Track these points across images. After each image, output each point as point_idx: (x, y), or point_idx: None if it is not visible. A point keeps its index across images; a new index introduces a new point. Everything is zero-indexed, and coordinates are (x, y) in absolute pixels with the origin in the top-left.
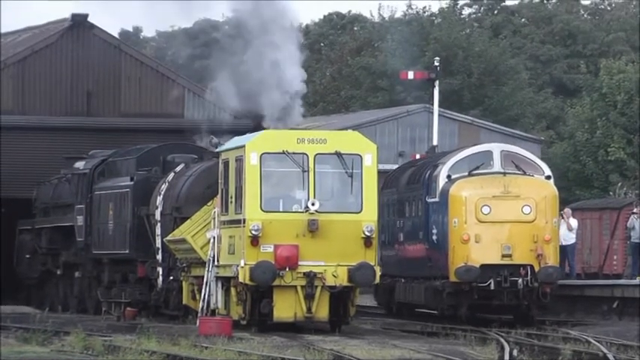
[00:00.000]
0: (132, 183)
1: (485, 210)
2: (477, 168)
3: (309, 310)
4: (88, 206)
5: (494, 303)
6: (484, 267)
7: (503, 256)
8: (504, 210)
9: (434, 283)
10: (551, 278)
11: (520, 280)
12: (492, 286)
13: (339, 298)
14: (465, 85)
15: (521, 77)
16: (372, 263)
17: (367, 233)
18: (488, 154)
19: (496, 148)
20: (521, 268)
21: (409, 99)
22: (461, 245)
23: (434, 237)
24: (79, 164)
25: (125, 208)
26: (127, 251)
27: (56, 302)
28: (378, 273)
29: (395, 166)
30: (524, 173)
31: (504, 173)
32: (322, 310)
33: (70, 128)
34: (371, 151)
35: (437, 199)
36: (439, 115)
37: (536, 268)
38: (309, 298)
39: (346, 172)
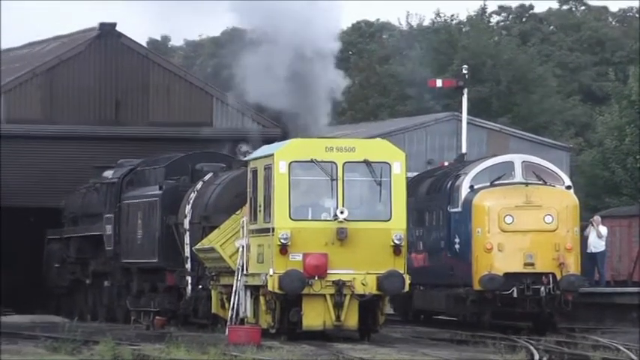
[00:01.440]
0: (160, 192)
1: (508, 219)
2: (499, 178)
3: (338, 318)
4: (117, 215)
5: (517, 310)
6: (507, 275)
7: (526, 264)
8: (527, 219)
9: (457, 291)
10: (572, 286)
11: (542, 288)
12: (515, 294)
13: (368, 306)
14: (493, 93)
15: (549, 85)
16: (402, 271)
17: (396, 241)
18: (510, 165)
19: (517, 158)
20: (544, 277)
21: (437, 107)
22: (484, 254)
23: (456, 246)
24: (108, 173)
25: (154, 217)
26: (155, 260)
27: (85, 311)
28: (408, 281)
29: None
30: (545, 183)
31: (526, 183)
32: (351, 319)
33: (99, 137)
34: (400, 159)
35: (459, 209)
36: (468, 123)
37: (558, 277)
38: (338, 306)
39: (375, 181)
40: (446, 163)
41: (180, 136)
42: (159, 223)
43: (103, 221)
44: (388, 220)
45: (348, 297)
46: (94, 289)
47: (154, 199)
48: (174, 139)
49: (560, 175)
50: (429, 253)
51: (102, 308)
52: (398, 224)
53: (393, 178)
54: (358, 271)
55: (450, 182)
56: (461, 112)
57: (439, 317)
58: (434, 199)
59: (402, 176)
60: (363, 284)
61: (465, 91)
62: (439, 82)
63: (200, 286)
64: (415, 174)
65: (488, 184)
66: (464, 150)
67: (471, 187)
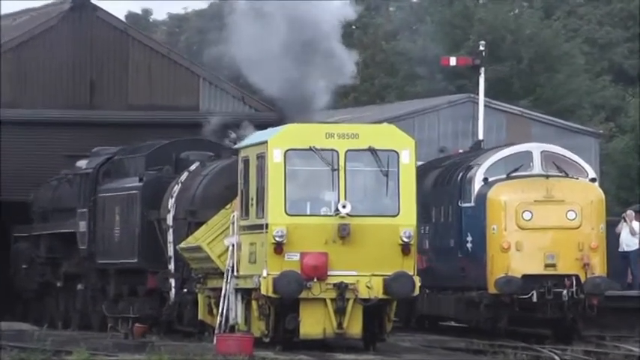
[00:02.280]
0: (141, 184)
1: (527, 216)
2: (516, 170)
3: (339, 325)
4: (92, 210)
5: (536, 316)
6: (526, 277)
7: (547, 265)
8: (547, 216)
9: (469, 295)
10: (598, 289)
11: (565, 292)
12: (535, 298)
13: (374, 312)
14: (513, 73)
15: (576, 63)
16: (411, 273)
17: (405, 239)
18: (528, 155)
19: (536, 148)
20: (566, 279)
21: (451, 88)
22: (500, 254)
23: (468, 245)
24: (82, 163)
25: (133, 213)
26: (135, 260)
27: (56, 318)
28: (418, 284)
29: None
30: (567, 175)
31: (547, 176)
32: (355, 326)
33: (71, 123)
34: (409, 146)
35: (472, 204)
36: (485, 106)
37: (582, 279)
38: (340, 312)
39: (381, 171)
40: (460, 151)
41: (163, 121)
42: (139, 219)
43: (77, 217)
44: (396, 216)
45: (351, 301)
46: (66, 293)
47: (134, 192)
48: (156, 125)
49: (584, 166)
50: (436, 252)
51: (75, 314)
52: (407, 220)
53: (401, 168)
54: (362, 272)
55: (461, 174)
56: (477, 94)
57: (446, 324)
58: (442, 192)
59: (412, 166)
60: (368, 287)
61: (482, 70)
62: (453, 61)
63: (185, 290)
64: (419, 164)
65: (504, 176)
66: (480, 136)
67: (485, 179)
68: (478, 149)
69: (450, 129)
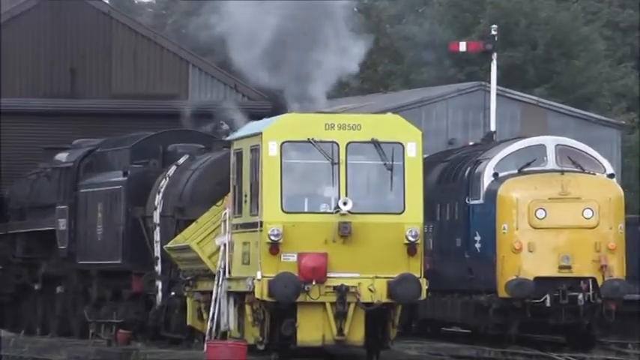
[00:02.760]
0: (125, 179)
1: (540, 214)
2: (529, 165)
3: (340, 332)
4: (73, 207)
5: (550, 322)
6: (539, 280)
7: (561, 267)
8: (562, 214)
9: (477, 299)
10: (616, 293)
11: (581, 296)
12: (548, 303)
13: (377, 317)
14: (528, 59)
15: (596, 48)
16: (417, 275)
17: (411, 238)
18: (541, 149)
19: (550, 141)
20: (582, 282)
21: (461, 76)
22: (512, 255)
23: (477, 245)
24: (62, 156)
25: (117, 210)
26: (119, 261)
27: (34, 323)
28: (425, 287)
29: None
30: (584, 171)
31: (562, 171)
32: (356, 332)
33: (50, 113)
34: (415, 138)
35: (481, 201)
36: (497, 94)
37: (600, 282)
38: (341, 317)
39: (385, 165)
40: (471, 143)
41: (149, 111)
42: (123, 217)
43: (56, 214)
44: (401, 213)
45: (352, 306)
46: (45, 297)
47: (117, 188)
48: (141, 115)
49: (601, 160)
50: (440, 252)
51: (54, 319)
52: (413, 218)
53: (406, 162)
54: (364, 274)
55: (469, 169)
56: (489, 82)
57: (450, 329)
58: (448, 188)
59: (418, 159)
60: (371, 290)
61: (494, 56)
62: (463, 46)
63: (173, 293)
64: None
65: (516, 171)
66: (492, 127)
67: (495, 174)
68: (490, 141)
69: (459, 119)
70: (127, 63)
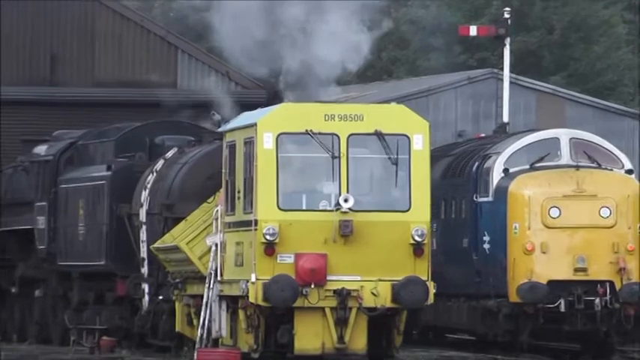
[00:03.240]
0: (109, 173)
1: (554, 213)
2: (541, 160)
3: (341, 339)
4: (52, 204)
5: (564, 328)
6: (552, 284)
7: (576, 270)
8: (577, 213)
9: (486, 304)
10: (636, 297)
11: (597, 301)
12: (563, 308)
13: (381, 323)
14: (544, 44)
15: (617, 33)
16: (424, 278)
17: (417, 238)
18: (555, 142)
19: (564, 134)
20: (599, 286)
21: (471, 62)
22: (523, 257)
23: (485, 246)
24: (41, 149)
25: (100, 207)
26: (102, 263)
27: (10, 330)
28: (432, 290)
29: None
30: (600, 166)
31: (577, 167)
32: (358, 340)
33: (28, 102)
34: (421, 130)
35: (490, 199)
36: (511, 82)
37: (618, 285)
38: (342, 323)
39: (389, 159)
40: (482, 136)
41: (135, 100)
42: (107, 215)
43: (34, 211)
44: (406, 211)
45: (354, 311)
46: (23, 301)
47: (101, 183)
48: (126, 105)
49: (618, 155)
50: (445, 253)
51: (32, 325)
52: (419, 216)
53: (412, 156)
54: (367, 277)
55: (477, 164)
56: (501, 69)
57: (453, 336)
58: (453, 184)
59: (425, 153)
60: (374, 294)
61: (508, 41)
62: (473, 30)
63: (160, 297)
64: None
65: (528, 166)
66: (505, 118)
67: (506, 170)
68: (502, 134)
69: (469, 110)
70: (111, 48)
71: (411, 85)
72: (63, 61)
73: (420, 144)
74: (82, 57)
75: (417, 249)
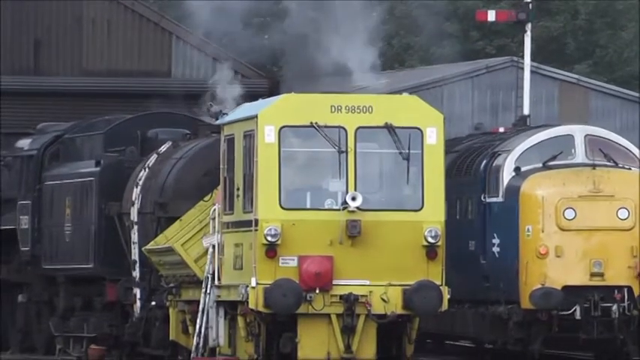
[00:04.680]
0: (97, 169)
1: (569, 214)
2: (554, 158)
3: (348, 348)
4: (36, 202)
5: (581, 336)
6: (567, 289)
7: (593, 275)
8: (594, 214)
9: (495, 310)
10: None
11: (615, 307)
12: (578, 315)
13: (391, 331)
14: (567, 30)
15: None
16: (438, 282)
17: (430, 240)
18: (569, 140)
19: (579, 131)
20: (616, 291)
21: (489, 50)
22: (537, 260)
23: (495, 249)
24: (24, 143)
25: (88, 205)
26: (90, 266)
27: None
28: (447, 296)
29: None
30: (617, 165)
31: (593, 165)
32: (367, 349)
33: (10, 92)
34: (435, 123)
35: (500, 199)
36: (532, 71)
37: (636, 291)
38: (349, 331)
39: (401, 154)
40: (501, 129)
41: (126, 90)
42: (95, 214)
43: (17, 210)
44: (419, 210)
45: (362, 318)
46: (5, 307)
47: (89, 180)
48: (116, 95)
49: (636, 153)
50: (449, 257)
51: (15, 333)
52: (433, 215)
53: (425, 150)
54: (376, 281)
55: (485, 162)
56: (522, 57)
57: (453, 343)
58: (459, 183)
59: (439, 147)
60: (384, 300)
61: (529, 27)
62: (491, 15)
63: (153, 303)
64: None
65: (540, 165)
66: (526, 110)
67: (517, 169)
68: (523, 127)
69: (487, 101)
70: (99, 34)
71: (424, 74)
72: (48, 47)
73: (434, 138)
74: (68, 44)
75: (430, 251)
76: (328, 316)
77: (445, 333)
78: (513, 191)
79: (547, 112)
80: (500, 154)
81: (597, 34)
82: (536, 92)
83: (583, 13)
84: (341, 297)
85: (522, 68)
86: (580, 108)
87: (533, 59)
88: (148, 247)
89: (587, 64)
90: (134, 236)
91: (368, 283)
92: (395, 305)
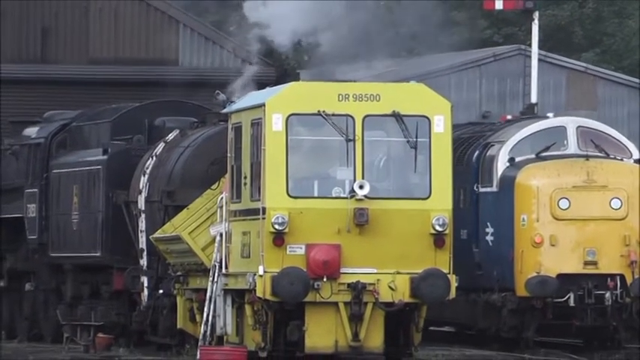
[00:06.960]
0: (105, 157)
1: (564, 204)
2: (547, 149)
3: (355, 336)
4: (44, 190)
5: (574, 323)
6: (562, 277)
7: (586, 263)
8: (587, 204)
9: (488, 298)
10: None
11: (608, 295)
12: (572, 302)
13: (399, 319)
14: (575, 18)
15: None
16: (446, 270)
17: (438, 228)
18: (561, 131)
19: (571, 122)
20: (610, 279)
21: (497, 38)
22: (532, 249)
23: (489, 238)
24: (31, 131)
25: (95, 193)
26: (98, 254)
27: None
28: (454, 284)
29: None
30: (609, 156)
31: (586, 156)
32: (374, 337)
33: (18, 81)
34: (443, 111)
35: (494, 189)
36: (539, 60)
37: (629, 279)
38: (356, 319)
39: (408, 142)
40: (508, 117)
41: (133, 78)
42: (103, 202)
43: (24, 199)
44: (426, 198)
45: (369, 306)
46: (12, 295)
47: (96, 168)
48: (124, 83)
49: (627, 144)
50: None
51: (22, 322)
52: (440, 204)
53: (433, 139)
54: (384, 269)
55: (478, 152)
56: (530, 46)
57: (436, 328)
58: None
59: (447, 136)
60: (391, 288)
61: (537, 15)
62: (499, 3)
63: (161, 291)
64: None
65: (533, 155)
66: (534, 99)
67: (511, 159)
68: (531, 115)
69: (495, 89)
70: (106, 23)
71: (431, 63)
72: (55, 36)
73: (442, 126)
74: (75, 32)
75: (438, 239)
76: (336, 304)
77: (433, 319)
78: (508, 181)
79: (555, 100)
80: (493, 145)
81: (604, 23)
82: (543, 80)
83: (590, 2)
84: (349, 285)
85: (530, 56)
86: (588, 96)
87: (540, 47)
88: (156, 235)
89: (594, 53)
90: (141, 224)
91: (375, 271)
92: (402, 293)
